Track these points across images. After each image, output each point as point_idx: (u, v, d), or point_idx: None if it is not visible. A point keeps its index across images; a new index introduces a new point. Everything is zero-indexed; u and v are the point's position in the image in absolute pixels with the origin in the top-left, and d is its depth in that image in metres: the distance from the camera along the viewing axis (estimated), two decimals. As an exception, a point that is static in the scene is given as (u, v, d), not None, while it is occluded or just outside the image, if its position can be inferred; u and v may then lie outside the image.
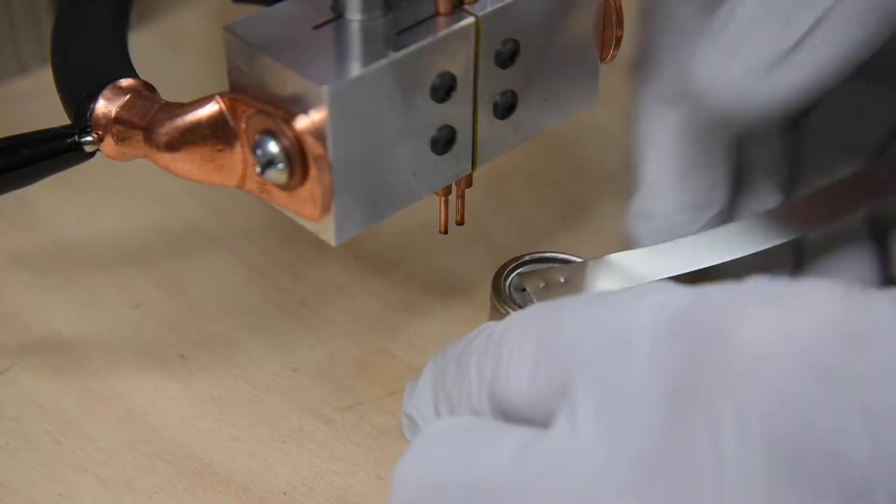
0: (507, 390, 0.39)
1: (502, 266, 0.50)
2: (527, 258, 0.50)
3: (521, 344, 0.39)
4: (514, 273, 0.50)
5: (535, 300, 0.48)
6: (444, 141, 0.44)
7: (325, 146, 0.41)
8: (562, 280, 0.49)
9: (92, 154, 0.46)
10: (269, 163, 0.41)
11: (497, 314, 0.49)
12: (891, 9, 0.45)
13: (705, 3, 0.50)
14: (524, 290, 0.49)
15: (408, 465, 0.39)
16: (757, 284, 0.36)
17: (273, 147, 0.41)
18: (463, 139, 0.45)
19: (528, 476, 0.36)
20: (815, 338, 0.34)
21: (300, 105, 0.41)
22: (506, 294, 0.49)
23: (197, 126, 0.43)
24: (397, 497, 0.39)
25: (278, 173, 0.41)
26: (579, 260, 0.50)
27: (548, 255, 0.51)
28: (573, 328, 0.38)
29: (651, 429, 0.35)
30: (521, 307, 0.48)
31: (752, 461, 0.34)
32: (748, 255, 0.48)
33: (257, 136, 0.42)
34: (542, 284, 0.49)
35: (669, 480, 0.34)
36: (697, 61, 0.46)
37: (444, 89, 0.43)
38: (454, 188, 0.48)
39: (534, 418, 0.39)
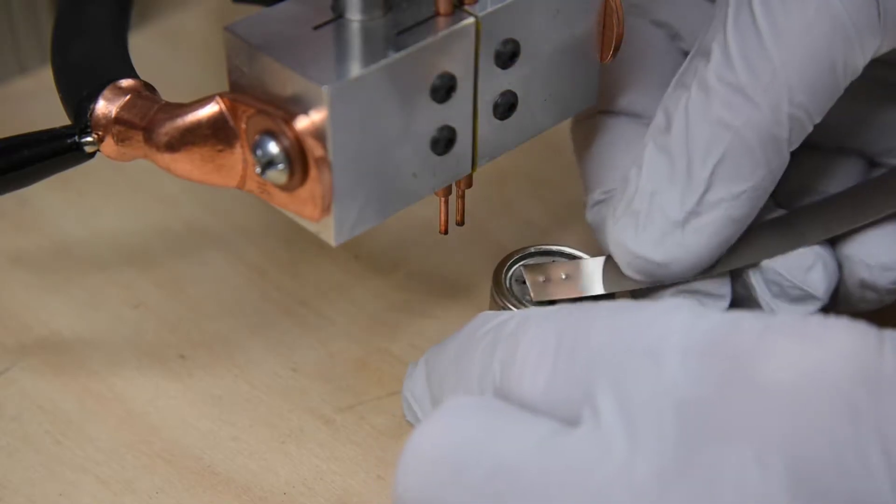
0: (520, 387, 0.39)
1: (505, 257, 0.50)
2: (532, 250, 0.50)
3: (540, 343, 0.39)
4: (517, 265, 0.50)
5: (532, 294, 0.48)
6: (444, 141, 0.44)
7: (325, 146, 0.41)
8: (563, 276, 0.49)
9: (92, 154, 0.46)
10: (269, 163, 0.41)
11: (495, 305, 0.49)
12: (782, 135, 0.45)
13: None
14: (524, 282, 0.49)
15: (423, 437, 0.39)
16: (790, 318, 0.37)
17: (273, 147, 0.41)
18: (463, 139, 0.45)
19: (550, 467, 0.37)
20: (846, 377, 0.35)
21: (300, 105, 0.41)
22: (506, 287, 0.49)
23: (197, 126, 0.43)
24: (409, 468, 0.39)
25: (278, 174, 0.41)
26: (581, 255, 0.50)
27: (552, 248, 0.51)
28: (600, 335, 0.39)
29: (675, 444, 0.35)
30: (519, 300, 0.48)
31: (775, 493, 0.34)
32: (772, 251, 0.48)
33: (257, 137, 0.42)
34: (542, 279, 0.49)
35: (688, 499, 0.35)
36: (609, 232, 0.48)
37: (444, 90, 0.43)
38: (454, 188, 0.48)
39: (546, 415, 0.39)
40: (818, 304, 0.48)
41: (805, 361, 0.35)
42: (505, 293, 0.49)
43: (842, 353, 0.35)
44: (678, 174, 0.46)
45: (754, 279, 0.48)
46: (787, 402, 0.35)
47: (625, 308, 0.39)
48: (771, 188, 0.47)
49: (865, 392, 0.34)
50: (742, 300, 0.49)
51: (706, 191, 0.46)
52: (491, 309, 0.49)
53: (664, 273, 0.47)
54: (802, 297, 0.48)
